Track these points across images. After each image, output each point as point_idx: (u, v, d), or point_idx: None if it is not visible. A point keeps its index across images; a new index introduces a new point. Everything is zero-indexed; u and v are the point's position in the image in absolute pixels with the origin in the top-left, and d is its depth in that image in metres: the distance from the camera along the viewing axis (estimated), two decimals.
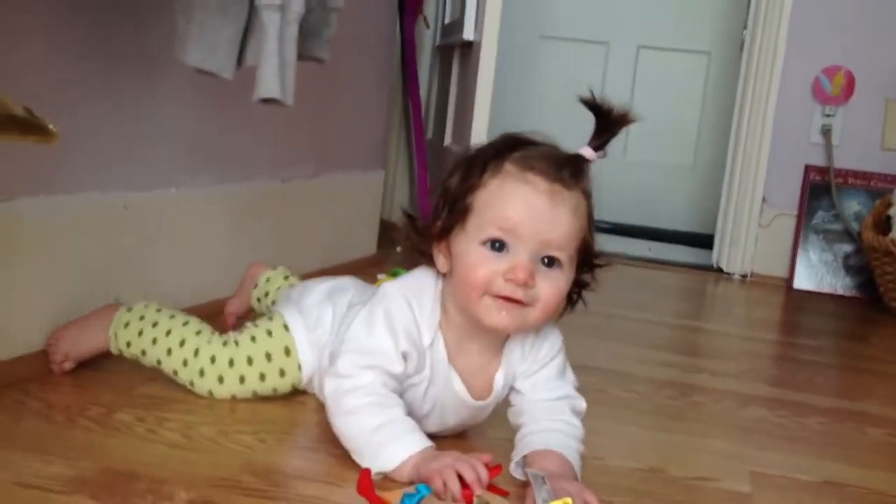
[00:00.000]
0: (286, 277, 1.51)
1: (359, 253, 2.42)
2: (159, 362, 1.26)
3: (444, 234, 1.08)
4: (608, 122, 1.06)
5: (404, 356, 1.08)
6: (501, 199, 1.04)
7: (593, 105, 1.06)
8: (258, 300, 1.52)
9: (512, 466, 1.09)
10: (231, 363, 1.24)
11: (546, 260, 1.03)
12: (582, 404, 1.14)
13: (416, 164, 3.04)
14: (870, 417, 1.55)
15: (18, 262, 1.24)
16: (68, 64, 1.30)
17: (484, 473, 0.96)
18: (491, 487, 0.97)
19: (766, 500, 1.12)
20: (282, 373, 1.25)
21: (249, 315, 1.52)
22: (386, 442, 1.02)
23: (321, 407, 1.17)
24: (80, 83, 1.32)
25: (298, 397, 1.28)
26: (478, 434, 1.22)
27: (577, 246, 1.06)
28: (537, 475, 1.00)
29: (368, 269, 2.04)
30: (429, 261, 1.11)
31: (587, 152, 1.07)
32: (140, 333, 1.27)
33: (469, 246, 1.05)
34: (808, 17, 3.01)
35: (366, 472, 0.94)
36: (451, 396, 1.12)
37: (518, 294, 1.03)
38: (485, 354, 1.12)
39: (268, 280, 1.52)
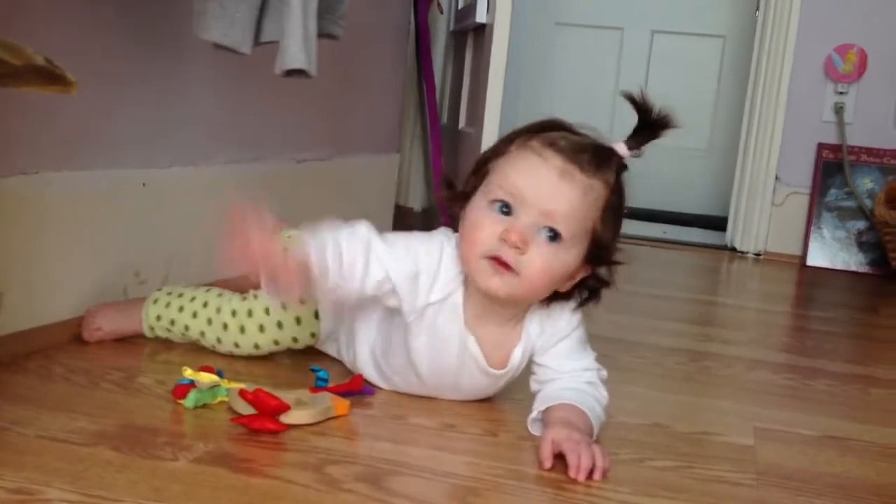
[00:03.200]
0: None
1: None
2: (187, 328, 1.31)
3: (467, 197, 1.10)
4: (648, 123, 1.06)
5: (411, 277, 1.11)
6: (514, 165, 1.06)
7: (635, 103, 1.06)
8: None
9: (530, 422, 1.12)
10: (250, 314, 1.29)
11: (548, 233, 1.04)
12: (604, 374, 1.17)
13: (432, 148, 3.07)
14: (876, 380, 1.57)
15: (41, 235, 1.28)
16: (94, 44, 1.33)
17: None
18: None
19: (769, 451, 1.15)
20: (298, 320, 1.29)
21: None
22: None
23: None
24: (103, 63, 1.36)
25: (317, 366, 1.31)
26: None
27: (587, 232, 1.05)
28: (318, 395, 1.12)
29: None
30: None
31: (620, 147, 1.07)
32: (168, 305, 1.33)
33: (477, 205, 1.07)
34: None
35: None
36: (469, 361, 1.14)
37: (508, 256, 1.03)
38: (504, 327, 1.14)
39: (289, 237, 1.55)
